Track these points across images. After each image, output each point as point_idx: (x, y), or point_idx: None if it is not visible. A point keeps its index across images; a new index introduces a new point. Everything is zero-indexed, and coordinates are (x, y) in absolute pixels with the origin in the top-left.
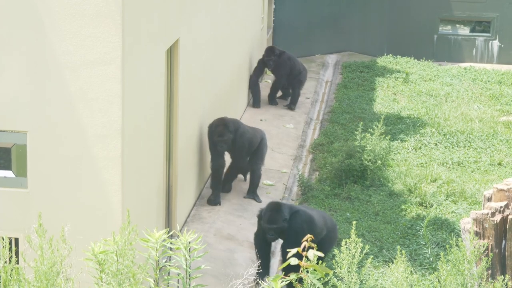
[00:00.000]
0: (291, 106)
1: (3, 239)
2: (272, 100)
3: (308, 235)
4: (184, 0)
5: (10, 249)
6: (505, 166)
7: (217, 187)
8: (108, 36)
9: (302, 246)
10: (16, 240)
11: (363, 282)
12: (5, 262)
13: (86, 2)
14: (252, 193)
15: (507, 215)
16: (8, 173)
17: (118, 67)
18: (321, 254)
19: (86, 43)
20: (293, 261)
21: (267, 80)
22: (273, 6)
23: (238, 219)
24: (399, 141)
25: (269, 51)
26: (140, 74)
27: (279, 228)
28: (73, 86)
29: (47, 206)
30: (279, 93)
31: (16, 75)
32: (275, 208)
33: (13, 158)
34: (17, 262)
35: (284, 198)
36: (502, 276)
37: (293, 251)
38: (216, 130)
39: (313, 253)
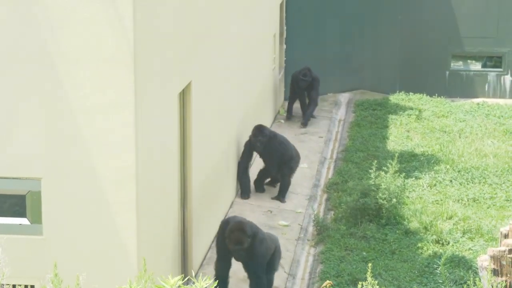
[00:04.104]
0: (280, 197)
1: None
2: (259, 187)
3: (328, 281)
4: (196, 43)
5: None
6: None
7: None
8: (120, 80)
9: None
10: (32, 287)
11: None
12: None
13: (99, 47)
14: None
15: None
16: (23, 220)
17: (131, 111)
18: None
19: (99, 88)
20: None
21: (280, 120)
22: (285, 46)
23: None
24: (413, 178)
25: (257, 131)
26: (153, 118)
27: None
28: (86, 131)
29: (63, 252)
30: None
31: (30, 121)
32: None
33: (28, 205)
34: None
35: (300, 239)
36: None
37: None
38: (231, 236)
39: None
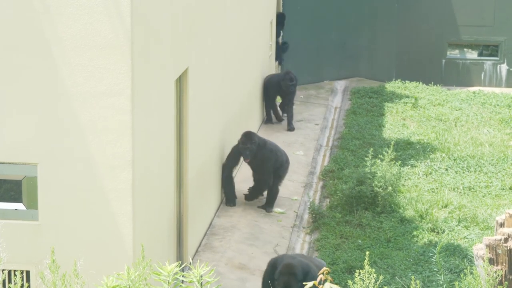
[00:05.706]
0: (267, 207)
1: (15, 274)
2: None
3: (325, 268)
4: (193, 29)
5: (22, 286)
6: None
7: None
8: (117, 67)
9: (318, 279)
10: (28, 272)
11: None
12: None
13: (96, 34)
14: None
15: None
16: (19, 206)
17: (128, 98)
18: (337, 287)
19: (96, 74)
20: None
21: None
22: (281, 33)
23: (250, 248)
24: (409, 166)
25: (246, 137)
26: (149, 105)
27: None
28: (83, 117)
29: (58, 238)
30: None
31: (26, 107)
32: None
33: (24, 190)
34: None
35: (295, 226)
36: None
37: (310, 284)
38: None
39: (329, 286)
